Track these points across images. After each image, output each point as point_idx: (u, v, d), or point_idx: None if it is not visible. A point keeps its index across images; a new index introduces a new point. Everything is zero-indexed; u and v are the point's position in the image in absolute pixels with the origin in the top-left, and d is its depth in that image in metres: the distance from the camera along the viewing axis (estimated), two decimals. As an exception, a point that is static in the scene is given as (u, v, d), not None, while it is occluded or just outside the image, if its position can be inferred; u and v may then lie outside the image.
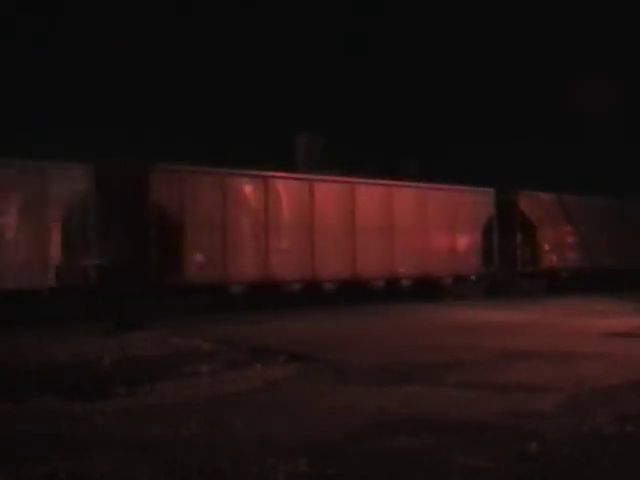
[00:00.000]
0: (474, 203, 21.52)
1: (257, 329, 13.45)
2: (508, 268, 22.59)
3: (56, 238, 14.33)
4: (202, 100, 30.26)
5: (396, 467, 5.03)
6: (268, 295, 17.12)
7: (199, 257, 16.00)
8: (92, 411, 6.69)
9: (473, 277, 21.59)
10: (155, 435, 5.87)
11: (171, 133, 28.29)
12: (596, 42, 31.86)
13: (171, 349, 10.67)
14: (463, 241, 21.33)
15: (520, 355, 9.87)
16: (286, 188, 17.76)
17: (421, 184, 20.68)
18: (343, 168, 19.60)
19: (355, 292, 18.65)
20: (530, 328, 13.55)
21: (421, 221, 20.31)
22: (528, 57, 33.61)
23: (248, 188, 17.10)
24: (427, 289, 20.11)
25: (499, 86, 32.83)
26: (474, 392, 7.49)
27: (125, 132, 26.44)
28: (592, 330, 12.71)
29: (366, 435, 5.86)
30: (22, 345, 10.86)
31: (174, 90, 29.18)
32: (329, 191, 18.67)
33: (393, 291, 19.41)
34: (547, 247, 23.72)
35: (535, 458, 5.18)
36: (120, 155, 17.29)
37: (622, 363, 9.18)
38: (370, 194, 19.41)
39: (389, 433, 5.89)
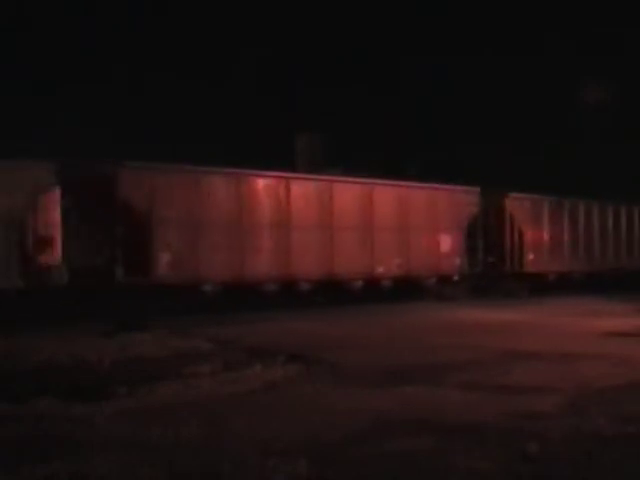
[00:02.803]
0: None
1: (256, 329, 13.45)
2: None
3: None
4: (202, 100, 30.28)
5: (396, 468, 5.03)
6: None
7: None
8: (92, 412, 6.69)
9: None
10: (155, 436, 5.87)
11: (171, 133, 28.34)
12: (596, 42, 31.87)
13: (171, 350, 10.67)
14: None
15: (520, 356, 9.87)
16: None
17: None
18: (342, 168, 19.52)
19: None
20: (530, 328, 13.54)
21: None
22: (528, 57, 33.63)
23: None
24: None
25: (499, 86, 32.83)
26: (474, 393, 7.49)
27: (125, 132, 26.48)
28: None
29: (366, 436, 5.85)
30: (21, 345, 10.87)
31: (174, 90, 29.21)
32: None
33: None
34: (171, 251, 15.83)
35: (535, 459, 5.18)
36: (121, 155, 17.20)
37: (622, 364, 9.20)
38: None
39: (389, 434, 5.89)
